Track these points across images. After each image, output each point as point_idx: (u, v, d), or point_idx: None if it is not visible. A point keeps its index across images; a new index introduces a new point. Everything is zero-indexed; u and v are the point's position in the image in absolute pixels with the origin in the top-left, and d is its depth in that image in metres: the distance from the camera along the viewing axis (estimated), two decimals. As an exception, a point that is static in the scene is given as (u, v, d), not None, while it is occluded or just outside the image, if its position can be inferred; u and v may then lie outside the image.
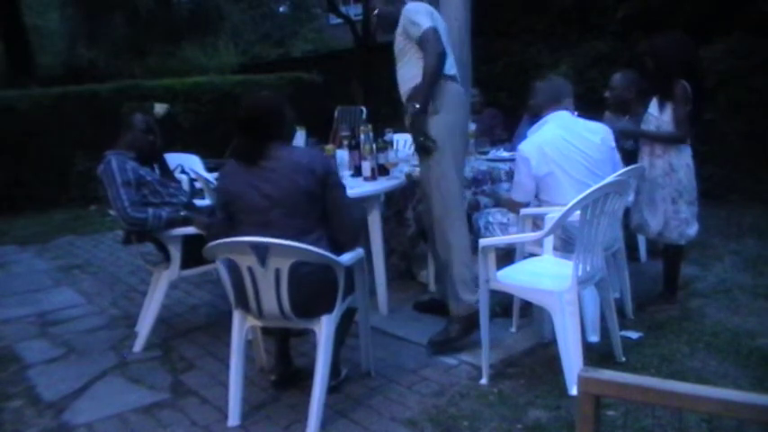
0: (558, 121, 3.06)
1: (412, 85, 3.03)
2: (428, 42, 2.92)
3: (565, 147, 2.98)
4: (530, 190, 3.09)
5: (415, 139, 3.00)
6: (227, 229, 2.46)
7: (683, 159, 3.27)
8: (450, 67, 3.05)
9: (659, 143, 3.30)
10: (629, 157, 3.58)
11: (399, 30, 3.10)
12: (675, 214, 3.28)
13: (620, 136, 3.47)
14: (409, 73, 3.05)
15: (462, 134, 3.17)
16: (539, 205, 3.13)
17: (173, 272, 3.19)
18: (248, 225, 2.40)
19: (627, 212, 3.55)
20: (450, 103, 3.00)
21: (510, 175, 3.66)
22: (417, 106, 2.91)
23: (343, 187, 2.55)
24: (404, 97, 3.14)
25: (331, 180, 2.46)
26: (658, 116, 3.30)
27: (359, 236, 2.58)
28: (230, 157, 2.53)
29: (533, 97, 3.24)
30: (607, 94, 4.15)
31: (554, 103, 3.12)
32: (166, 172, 3.47)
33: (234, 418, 2.47)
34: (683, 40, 3.34)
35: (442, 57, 2.91)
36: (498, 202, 3.56)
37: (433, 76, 2.91)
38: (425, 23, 2.91)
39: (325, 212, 2.46)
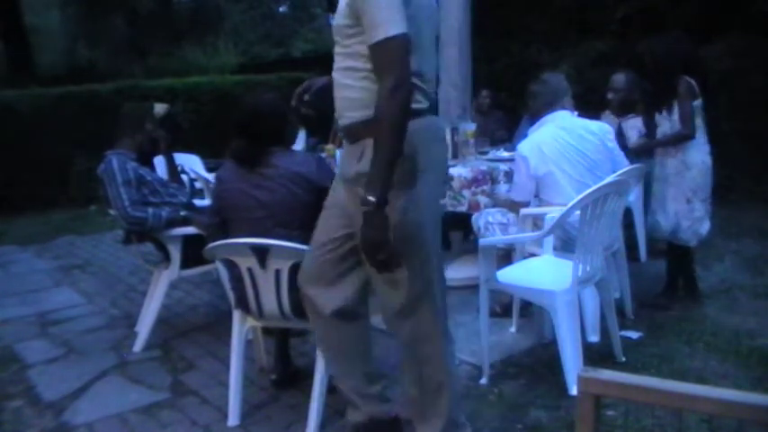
0: (557, 122, 3.06)
1: (359, 118, 1.83)
2: (391, 67, 1.68)
3: (564, 147, 2.99)
4: (529, 190, 3.09)
5: (371, 253, 1.72)
6: (222, 234, 2.45)
7: (697, 156, 3.26)
8: (422, 99, 1.84)
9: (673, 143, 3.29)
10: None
11: None
12: (689, 213, 3.27)
13: (632, 155, 3.48)
14: (353, 92, 1.83)
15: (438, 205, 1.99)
16: (539, 205, 3.13)
17: (173, 272, 3.19)
18: (243, 233, 2.36)
19: (627, 212, 3.55)
20: (427, 159, 1.83)
21: (509, 176, 3.66)
22: (372, 199, 1.66)
23: None
24: (340, 129, 1.97)
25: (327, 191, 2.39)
26: (669, 116, 3.30)
27: None
28: (229, 158, 2.50)
29: (531, 100, 3.23)
30: (610, 95, 4.15)
31: (552, 105, 3.12)
32: (173, 172, 3.47)
33: (234, 418, 2.47)
34: (680, 39, 3.34)
35: (407, 101, 1.70)
36: (496, 204, 3.56)
37: (396, 142, 1.68)
38: (393, 26, 1.67)
39: None
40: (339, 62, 1.88)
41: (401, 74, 1.68)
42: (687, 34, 3.42)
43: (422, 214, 1.83)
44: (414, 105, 1.77)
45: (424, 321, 1.92)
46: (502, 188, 3.69)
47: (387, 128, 1.68)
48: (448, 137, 4.23)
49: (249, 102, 2.51)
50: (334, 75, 1.91)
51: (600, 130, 3.10)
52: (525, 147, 3.07)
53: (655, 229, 3.42)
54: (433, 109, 1.91)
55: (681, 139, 3.24)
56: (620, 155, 3.16)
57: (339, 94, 1.90)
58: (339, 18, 1.82)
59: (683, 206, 3.27)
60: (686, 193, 3.26)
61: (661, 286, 3.57)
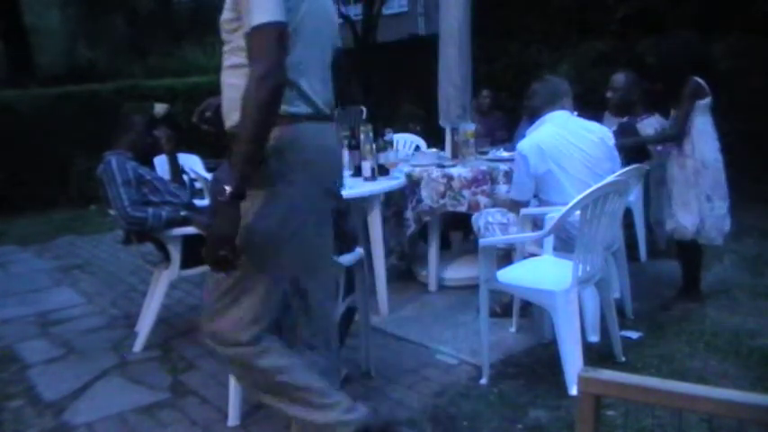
0: (556, 121, 3.06)
1: (234, 121, 1.67)
2: (262, 53, 1.59)
3: (563, 145, 2.99)
4: (529, 189, 3.09)
5: (210, 251, 1.61)
6: None
7: (712, 154, 3.27)
8: (296, 101, 1.71)
9: (687, 141, 3.27)
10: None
11: None
12: (711, 212, 3.27)
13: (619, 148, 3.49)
14: (238, 91, 1.63)
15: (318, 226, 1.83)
16: (539, 205, 3.14)
17: (173, 272, 3.19)
18: None
19: (627, 212, 3.55)
20: (296, 167, 1.71)
21: (509, 176, 3.67)
22: (227, 189, 1.58)
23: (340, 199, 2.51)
24: (227, 136, 1.80)
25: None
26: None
27: (357, 243, 2.57)
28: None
29: (530, 99, 3.24)
30: (609, 94, 4.16)
31: (551, 104, 3.12)
32: (176, 172, 3.46)
33: (234, 418, 2.47)
34: (688, 41, 3.34)
35: (276, 91, 1.59)
36: (496, 203, 3.56)
37: (258, 132, 1.59)
38: (268, 13, 1.59)
39: None
40: (224, 62, 1.77)
41: (273, 60, 1.58)
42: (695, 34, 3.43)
43: (276, 225, 1.71)
44: (291, 108, 1.70)
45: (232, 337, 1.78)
46: (501, 188, 3.69)
47: (249, 117, 1.57)
48: (447, 137, 4.25)
49: None
50: (221, 77, 1.79)
51: (599, 129, 3.10)
52: (525, 145, 3.07)
53: (677, 231, 3.37)
54: (323, 118, 1.78)
55: (667, 138, 3.27)
56: (617, 156, 3.15)
57: (224, 96, 1.78)
58: (224, 13, 1.72)
59: (705, 205, 3.27)
60: (706, 191, 3.27)
61: (661, 286, 3.58)
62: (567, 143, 2.99)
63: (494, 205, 3.59)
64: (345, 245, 2.47)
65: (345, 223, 2.54)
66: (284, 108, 1.67)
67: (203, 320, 1.86)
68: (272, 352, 1.79)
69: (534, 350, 3.01)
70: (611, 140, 3.11)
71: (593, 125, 3.12)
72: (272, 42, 1.59)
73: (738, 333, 3.03)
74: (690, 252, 3.40)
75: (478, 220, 3.38)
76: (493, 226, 3.28)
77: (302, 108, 1.73)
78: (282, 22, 1.61)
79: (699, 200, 3.27)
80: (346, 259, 2.42)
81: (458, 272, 3.94)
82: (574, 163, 2.98)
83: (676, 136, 3.24)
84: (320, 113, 1.78)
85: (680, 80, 3.23)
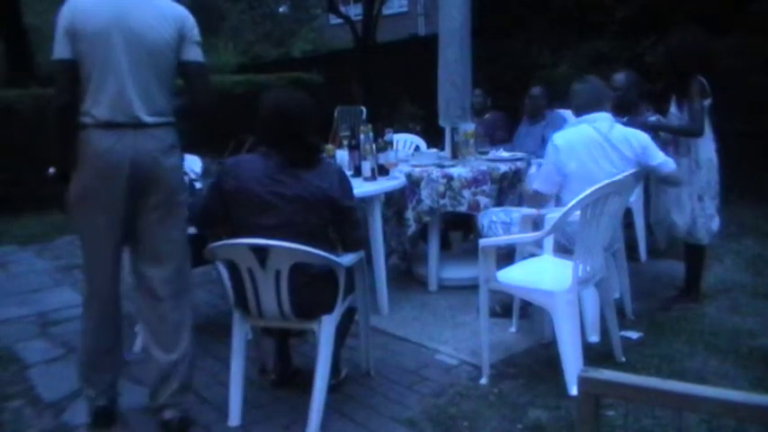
0: (599, 125, 2.98)
1: None
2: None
3: (597, 149, 2.93)
4: (553, 181, 3.03)
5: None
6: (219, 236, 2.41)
7: (706, 155, 3.28)
8: (86, 115, 2.22)
9: (683, 140, 3.30)
10: None
11: None
12: (702, 211, 3.30)
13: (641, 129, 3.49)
14: None
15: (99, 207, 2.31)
16: (557, 207, 3.08)
17: (173, 272, 3.18)
18: (249, 231, 2.34)
19: (627, 212, 3.55)
20: (80, 162, 2.26)
21: (516, 176, 3.69)
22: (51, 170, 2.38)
23: (356, 211, 2.53)
24: None
25: (347, 209, 2.43)
26: (679, 115, 3.32)
27: (363, 248, 2.59)
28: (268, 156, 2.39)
29: (572, 98, 3.13)
30: None
31: (597, 105, 3.04)
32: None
33: (234, 418, 2.47)
34: (697, 37, 3.34)
35: (55, 112, 2.24)
36: (522, 193, 3.56)
37: (53, 135, 2.28)
38: (54, 51, 2.19)
39: (334, 228, 2.45)
40: None
41: (55, 88, 2.21)
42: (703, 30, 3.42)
43: (72, 200, 2.35)
44: (83, 119, 2.21)
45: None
46: (531, 177, 3.60)
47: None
48: (447, 137, 4.25)
49: (293, 96, 2.44)
50: None
51: (636, 140, 2.98)
52: (560, 138, 3.00)
53: (671, 228, 3.41)
54: (110, 126, 2.20)
55: (688, 132, 3.26)
56: (661, 157, 3.03)
57: None
58: None
59: (696, 204, 3.29)
60: (698, 191, 3.29)
61: (661, 286, 3.58)
62: (600, 148, 2.93)
63: (496, 204, 3.59)
64: (353, 248, 2.49)
65: (356, 228, 2.54)
66: (79, 119, 2.21)
67: None
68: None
69: (534, 350, 3.01)
70: (648, 148, 3.00)
71: (635, 137, 2.99)
72: (55, 73, 2.21)
73: (738, 333, 3.04)
74: (697, 252, 3.41)
75: (482, 219, 3.40)
76: (496, 225, 3.29)
77: (88, 119, 2.21)
78: (63, 59, 2.16)
79: (692, 199, 3.30)
80: (346, 259, 2.42)
81: (458, 272, 3.94)
82: (600, 169, 2.89)
83: (699, 132, 3.23)
84: (107, 123, 2.20)
85: (686, 76, 3.22)
